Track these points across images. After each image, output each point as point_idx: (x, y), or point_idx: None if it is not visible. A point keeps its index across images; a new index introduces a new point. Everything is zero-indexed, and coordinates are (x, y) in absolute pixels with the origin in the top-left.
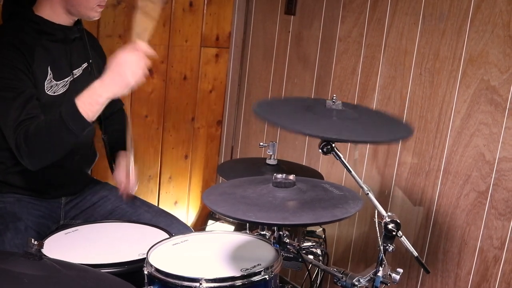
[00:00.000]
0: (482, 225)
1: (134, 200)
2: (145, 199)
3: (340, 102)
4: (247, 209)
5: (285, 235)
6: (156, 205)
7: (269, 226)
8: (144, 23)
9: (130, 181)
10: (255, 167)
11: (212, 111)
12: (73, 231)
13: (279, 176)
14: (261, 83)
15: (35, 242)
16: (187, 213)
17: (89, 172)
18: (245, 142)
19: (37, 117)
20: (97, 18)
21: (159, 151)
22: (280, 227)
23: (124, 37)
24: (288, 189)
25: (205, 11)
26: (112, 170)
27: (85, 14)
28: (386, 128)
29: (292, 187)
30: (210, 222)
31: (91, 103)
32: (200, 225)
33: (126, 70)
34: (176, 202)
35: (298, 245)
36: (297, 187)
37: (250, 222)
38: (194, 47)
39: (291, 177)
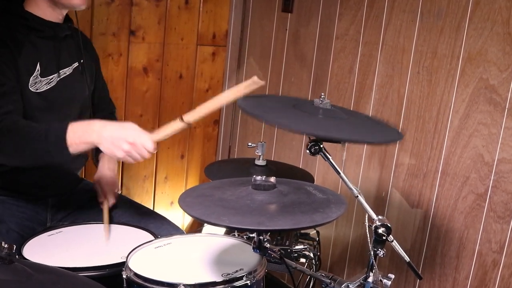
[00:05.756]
0: (481, 228)
1: (123, 201)
2: (140, 199)
3: (328, 101)
4: (222, 212)
5: (265, 239)
6: (152, 205)
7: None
8: (174, 129)
9: (112, 185)
10: (243, 168)
11: None
12: (57, 232)
13: (259, 178)
14: None
15: (5, 245)
16: (183, 213)
17: (79, 173)
18: (242, 142)
19: (13, 113)
20: (83, 7)
21: None
22: (256, 232)
23: (118, 35)
24: (268, 192)
25: (201, 9)
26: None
27: (68, 2)
28: (375, 130)
29: (273, 189)
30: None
31: (80, 136)
32: (197, 226)
33: (122, 146)
34: (172, 203)
35: (279, 250)
36: (278, 189)
37: (222, 226)
38: (190, 45)
39: (272, 179)
